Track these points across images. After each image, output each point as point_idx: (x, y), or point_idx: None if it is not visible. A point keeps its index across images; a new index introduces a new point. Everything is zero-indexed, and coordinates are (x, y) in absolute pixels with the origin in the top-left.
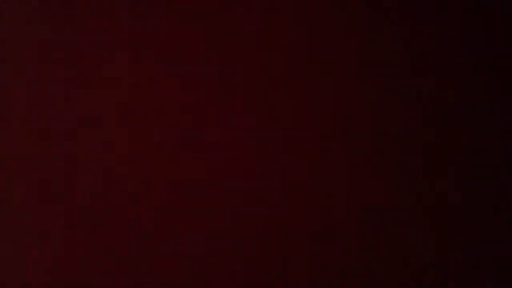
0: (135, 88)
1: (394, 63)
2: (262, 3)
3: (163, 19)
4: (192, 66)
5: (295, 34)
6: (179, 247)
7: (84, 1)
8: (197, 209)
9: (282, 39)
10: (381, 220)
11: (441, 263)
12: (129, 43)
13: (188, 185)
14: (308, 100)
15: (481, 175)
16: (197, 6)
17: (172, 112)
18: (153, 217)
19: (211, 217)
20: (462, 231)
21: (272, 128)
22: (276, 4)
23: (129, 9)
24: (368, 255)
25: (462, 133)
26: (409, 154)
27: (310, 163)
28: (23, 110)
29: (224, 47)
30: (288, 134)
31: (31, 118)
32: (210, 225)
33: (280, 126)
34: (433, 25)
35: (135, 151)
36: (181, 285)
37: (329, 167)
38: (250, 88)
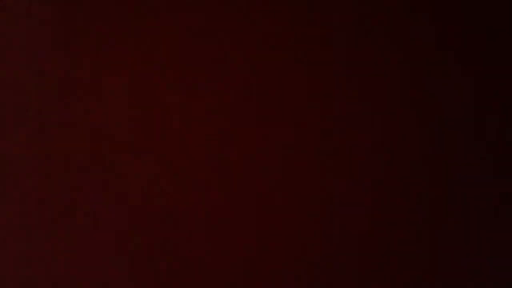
0: (137, 92)
1: (402, 64)
2: (261, 6)
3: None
4: (195, 69)
5: (295, 38)
6: (184, 246)
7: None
8: (200, 209)
9: (283, 42)
10: (385, 222)
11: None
12: (130, 44)
13: (190, 184)
14: (309, 101)
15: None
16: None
17: (175, 115)
18: (160, 218)
19: (213, 218)
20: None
21: (281, 132)
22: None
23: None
24: (370, 257)
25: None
26: (415, 155)
27: (312, 164)
28: (23, 110)
29: (229, 51)
30: (288, 135)
31: (31, 118)
32: (212, 225)
33: (285, 128)
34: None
35: (136, 150)
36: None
37: (331, 169)
38: (250, 87)
